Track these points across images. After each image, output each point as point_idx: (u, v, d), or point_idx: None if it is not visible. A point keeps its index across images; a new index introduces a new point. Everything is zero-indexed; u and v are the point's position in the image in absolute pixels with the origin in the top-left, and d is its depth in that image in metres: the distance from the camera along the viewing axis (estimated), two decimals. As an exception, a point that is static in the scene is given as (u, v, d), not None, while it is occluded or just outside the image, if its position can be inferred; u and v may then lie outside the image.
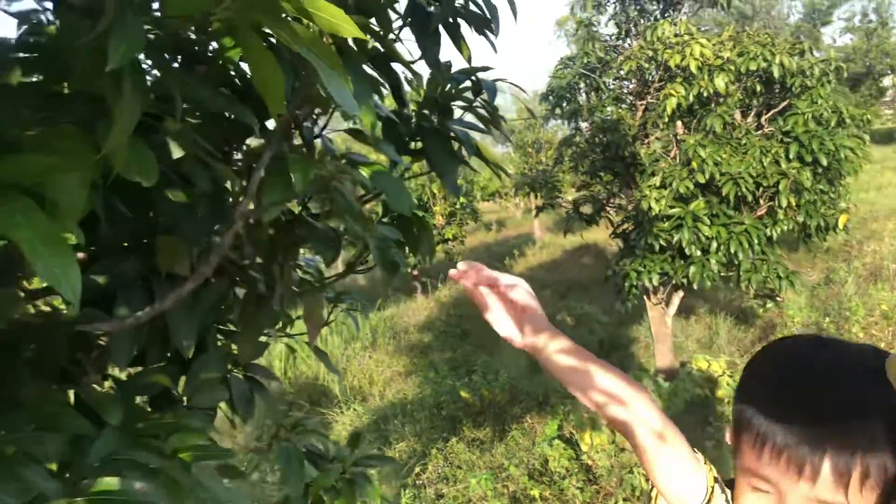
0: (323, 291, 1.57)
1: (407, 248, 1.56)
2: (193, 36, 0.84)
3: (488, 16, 1.44)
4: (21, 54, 0.81)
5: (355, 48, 0.97)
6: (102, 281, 1.17)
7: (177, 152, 0.80)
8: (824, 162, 5.69)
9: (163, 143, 1.06)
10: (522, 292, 1.04)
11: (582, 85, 7.12)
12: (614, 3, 7.13)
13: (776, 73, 5.65)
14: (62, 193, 0.63)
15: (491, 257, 16.84)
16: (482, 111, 1.71)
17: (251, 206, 0.89)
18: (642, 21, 7.00)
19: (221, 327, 1.66)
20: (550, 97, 7.11)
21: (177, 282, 1.18)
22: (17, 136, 0.63)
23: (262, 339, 1.73)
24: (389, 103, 1.62)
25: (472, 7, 1.46)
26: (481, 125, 1.70)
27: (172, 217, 1.14)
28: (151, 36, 0.71)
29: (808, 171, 5.72)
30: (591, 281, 12.81)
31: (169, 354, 1.38)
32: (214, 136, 0.92)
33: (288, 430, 1.92)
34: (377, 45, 1.40)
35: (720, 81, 5.68)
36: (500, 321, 1.05)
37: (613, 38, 7.21)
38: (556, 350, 0.97)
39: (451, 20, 1.53)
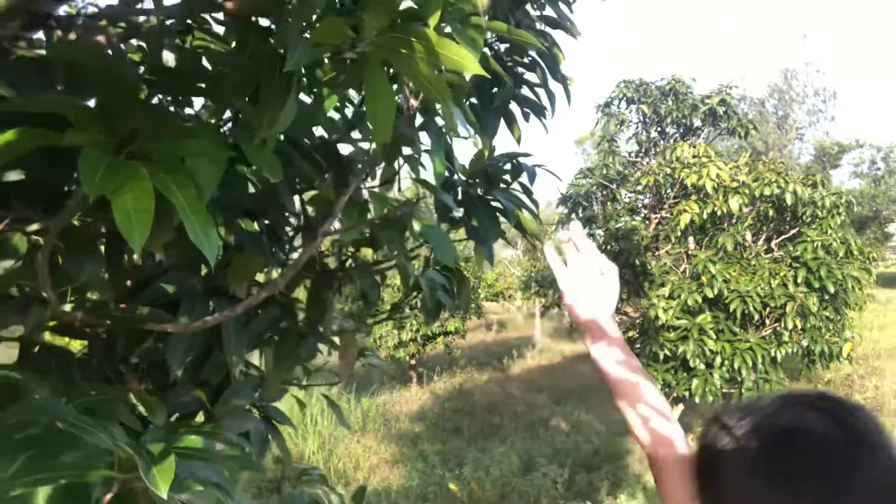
0: (360, 331, 1.65)
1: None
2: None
3: (545, 103, 1.60)
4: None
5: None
6: (171, 290, 1.27)
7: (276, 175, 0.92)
8: (831, 289, 5.83)
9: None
10: (607, 263, 1.07)
11: (599, 194, 7.40)
12: (636, 123, 7.54)
13: (789, 200, 5.90)
14: (202, 175, 0.75)
15: (489, 356, 16.74)
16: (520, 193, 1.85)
17: (336, 226, 1.00)
18: (662, 142, 7.37)
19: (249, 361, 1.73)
20: (568, 203, 7.38)
21: (235, 301, 1.28)
22: (172, 123, 0.75)
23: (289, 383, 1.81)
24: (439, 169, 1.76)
25: (528, 92, 1.63)
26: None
27: (247, 238, 1.25)
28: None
29: (815, 296, 5.85)
30: (588, 389, 12.69)
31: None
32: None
33: (295, 477, 1.95)
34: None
35: (734, 203, 5.92)
36: (569, 289, 1.07)
37: (633, 154, 7.56)
38: (606, 352, 1.00)
39: (505, 106, 1.70)
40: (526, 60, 1.54)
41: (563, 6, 1.54)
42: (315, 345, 1.60)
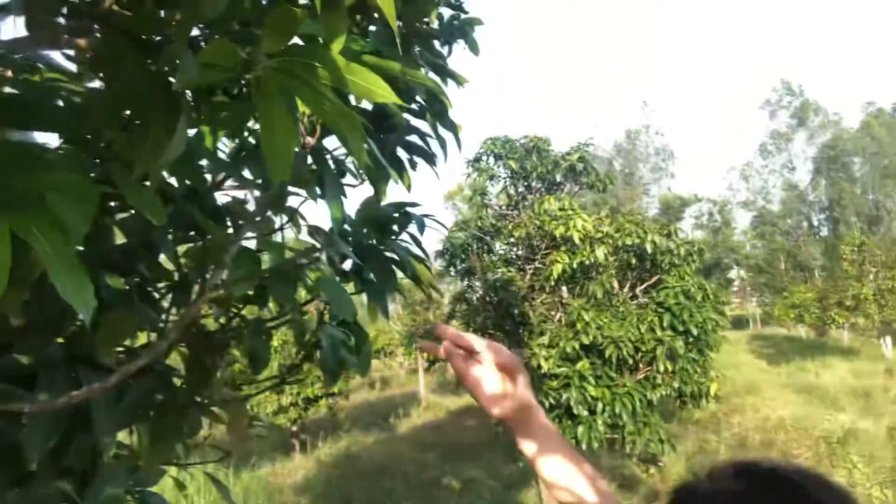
0: (247, 401, 1.51)
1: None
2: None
3: (433, 151, 1.59)
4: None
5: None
6: (26, 361, 1.10)
7: (159, 219, 0.83)
8: (694, 332, 6.24)
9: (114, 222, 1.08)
10: (509, 355, 0.95)
11: (475, 246, 7.56)
12: (504, 178, 7.86)
13: (649, 248, 6.33)
14: (69, 217, 0.64)
15: (375, 415, 16.34)
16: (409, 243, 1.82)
17: (223, 279, 0.91)
18: (530, 196, 7.72)
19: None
20: (445, 255, 7.48)
21: (104, 372, 1.12)
22: (39, 155, 0.65)
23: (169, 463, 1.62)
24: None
25: (418, 141, 1.62)
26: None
27: (117, 296, 1.12)
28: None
29: (680, 339, 6.24)
30: (476, 442, 12.66)
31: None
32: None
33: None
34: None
35: (600, 252, 6.26)
36: (486, 395, 0.94)
37: (504, 207, 7.84)
38: (545, 439, 0.93)
39: (394, 153, 1.68)
40: (415, 107, 1.53)
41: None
42: (198, 418, 1.44)
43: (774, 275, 35.28)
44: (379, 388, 23.48)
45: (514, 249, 7.44)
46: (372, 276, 1.62)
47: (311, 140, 0.93)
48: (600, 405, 5.96)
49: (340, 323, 1.48)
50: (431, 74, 1.51)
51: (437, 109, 1.55)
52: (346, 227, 1.67)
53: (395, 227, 1.80)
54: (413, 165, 1.66)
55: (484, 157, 7.68)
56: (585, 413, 5.99)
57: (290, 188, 1.12)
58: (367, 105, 1.63)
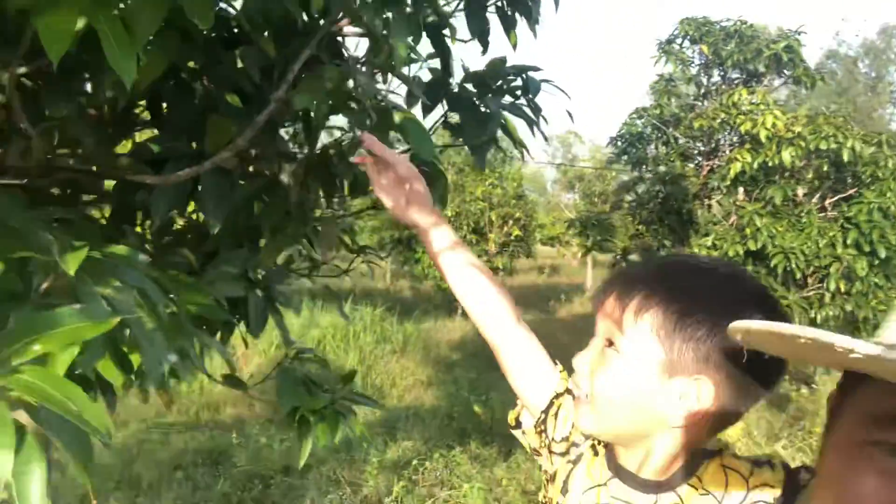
0: (339, 220, 1.75)
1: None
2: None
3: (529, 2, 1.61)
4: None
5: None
6: (156, 149, 1.39)
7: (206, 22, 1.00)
8: (882, 254, 5.60)
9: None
10: (408, 168, 1.18)
11: (653, 136, 7.23)
12: (698, 65, 7.24)
13: (846, 156, 5.63)
14: (137, 20, 0.84)
15: (538, 298, 16.83)
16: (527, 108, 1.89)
17: (283, 92, 1.09)
18: (724, 86, 7.08)
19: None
20: (618, 142, 7.24)
21: (220, 174, 1.39)
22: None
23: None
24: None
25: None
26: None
27: (220, 101, 1.36)
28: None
29: (864, 260, 5.64)
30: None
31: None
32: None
33: (292, 356, 2.11)
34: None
35: (787, 155, 5.70)
36: (388, 195, 1.19)
37: (692, 97, 7.31)
38: (436, 235, 1.12)
39: (501, 6, 1.73)
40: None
41: None
42: (300, 226, 1.72)
43: None
44: (548, 274, 23.89)
45: (694, 143, 6.99)
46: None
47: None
48: (755, 316, 5.67)
49: (421, 163, 1.63)
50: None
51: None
52: (450, 82, 1.79)
53: (519, 91, 1.89)
54: (512, 24, 1.70)
55: (677, 41, 7.11)
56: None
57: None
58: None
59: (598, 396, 0.82)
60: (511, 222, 12.94)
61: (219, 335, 1.84)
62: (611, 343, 0.82)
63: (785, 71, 6.70)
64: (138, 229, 1.55)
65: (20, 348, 0.71)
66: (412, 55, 1.58)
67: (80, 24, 0.84)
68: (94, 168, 1.28)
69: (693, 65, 7.20)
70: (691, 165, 6.97)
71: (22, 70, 1.09)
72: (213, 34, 1.36)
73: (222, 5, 1.24)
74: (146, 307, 0.90)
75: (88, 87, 1.17)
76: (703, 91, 7.22)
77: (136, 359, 0.94)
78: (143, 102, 1.41)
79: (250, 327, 1.83)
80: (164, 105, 1.44)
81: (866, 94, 32.82)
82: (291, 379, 1.98)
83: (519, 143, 1.83)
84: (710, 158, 6.78)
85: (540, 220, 16.79)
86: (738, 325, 0.55)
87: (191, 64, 1.33)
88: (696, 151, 7.09)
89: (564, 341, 12.27)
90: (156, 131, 1.48)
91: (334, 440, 2.00)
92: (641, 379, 0.79)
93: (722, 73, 7.10)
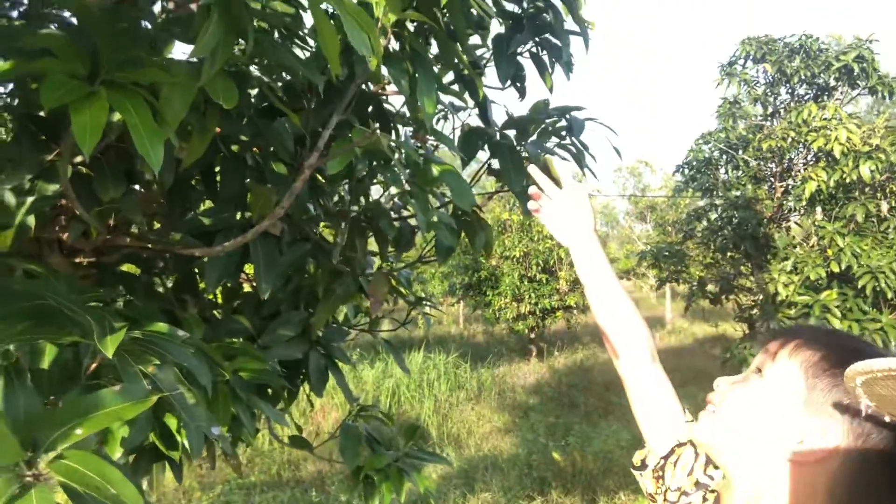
0: (389, 273, 1.76)
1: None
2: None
3: (560, 44, 1.61)
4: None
5: (421, 51, 1.18)
6: (207, 222, 1.45)
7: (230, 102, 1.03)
8: (983, 268, 5.18)
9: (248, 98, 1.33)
10: (569, 195, 1.21)
11: (721, 160, 7.01)
12: (764, 84, 7.01)
13: (932, 166, 5.29)
14: (168, 106, 0.89)
15: (614, 333, 16.34)
16: (572, 147, 1.87)
17: (314, 159, 1.12)
18: (792, 104, 6.82)
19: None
20: (685, 169, 7.05)
21: (268, 240, 1.43)
22: (139, 57, 0.89)
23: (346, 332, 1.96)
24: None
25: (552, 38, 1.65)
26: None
27: (267, 170, 1.40)
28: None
29: (964, 275, 5.22)
30: (718, 371, 12.10)
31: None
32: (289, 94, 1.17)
33: (355, 414, 2.11)
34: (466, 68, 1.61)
35: (865, 169, 5.40)
36: (549, 221, 1.22)
37: (759, 117, 7.06)
38: (586, 261, 1.12)
39: (535, 52, 1.73)
40: (541, 4, 1.56)
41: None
42: (351, 284, 1.74)
43: None
44: (625, 307, 23.22)
45: (765, 165, 6.73)
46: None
47: (383, 40, 1.07)
48: (845, 341, 5.31)
49: (462, 213, 1.63)
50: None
51: (570, 3, 1.56)
52: (490, 129, 1.80)
53: (563, 132, 1.88)
54: (549, 67, 1.70)
55: (739, 62, 6.92)
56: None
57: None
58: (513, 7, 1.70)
59: (726, 407, 0.82)
60: (581, 259, 12.68)
61: (285, 395, 1.87)
62: (759, 371, 0.83)
63: (858, 82, 6.39)
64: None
65: (65, 432, 0.73)
66: (457, 102, 1.61)
67: (116, 115, 0.88)
68: (150, 245, 1.33)
69: (758, 85, 6.98)
70: (764, 188, 6.69)
71: (77, 159, 1.16)
72: (262, 105, 1.42)
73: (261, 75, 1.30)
74: (187, 382, 0.91)
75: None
76: (770, 111, 6.97)
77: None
78: (197, 176, 1.48)
79: (312, 387, 1.85)
80: (217, 176, 1.50)
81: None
82: (354, 437, 1.98)
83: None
84: (784, 179, 6.50)
85: (613, 253, 16.45)
86: (858, 366, 0.53)
87: (243, 136, 1.39)
88: (767, 173, 6.81)
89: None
90: (209, 202, 1.55)
91: (400, 498, 1.97)
92: (772, 403, 0.78)
93: (789, 91, 6.84)
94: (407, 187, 1.36)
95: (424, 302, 2.27)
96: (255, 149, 1.46)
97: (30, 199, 1.10)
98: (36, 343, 0.87)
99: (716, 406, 0.84)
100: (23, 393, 0.75)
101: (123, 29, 0.96)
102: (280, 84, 1.34)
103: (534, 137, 1.84)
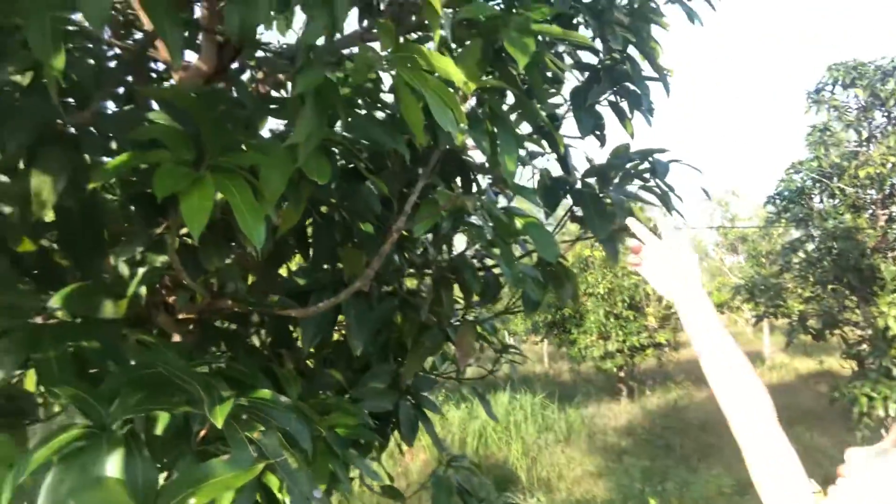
0: (475, 324, 1.77)
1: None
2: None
3: (640, 92, 1.61)
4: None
5: (499, 113, 1.21)
6: (301, 282, 1.51)
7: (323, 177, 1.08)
8: None
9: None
10: (671, 248, 1.16)
11: (815, 190, 6.68)
12: (856, 109, 6.67)
13: None
14: (267, 184, 0.94)
15: (709, 371, 15.59)
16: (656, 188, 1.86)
17: (402, 223, 1.16)
18: (889, 128, 6.44)
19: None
20: (777, 199, 6.76)
21: (358, 298, 1.48)
22: (239, 140, 0.95)
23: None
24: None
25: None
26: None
27: (356, 230, 1.46)
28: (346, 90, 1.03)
29: None
30: (825, 410, 11.29)
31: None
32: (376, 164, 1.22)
33: (445, 464, 2.11)
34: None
35: (982, 191, 5.01)
36: (651, 276, 1.17)
37: (853, 143, 6.70)
38: (692, 315, 1.07)
39: (614, 101, 1.74)
40: (618, 56, 1.57)
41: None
42: (438, 336, 1.76)
43: None
44: (718, 342, 22.16)
45: (864, 192, 6.35)
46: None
47: (465, 106, 1.10)
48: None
49: (546, 264, 1.63)
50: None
51: (647, 53, 1.57)
52: (571, 178, 1.80)
53: (647, 174, 1.87)
54: (628, 112, 1.69)
55: (828, 88, 6.63)
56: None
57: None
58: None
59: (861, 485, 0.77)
60: (669, 294, 12.27)
61: (376, 445, 1.90)
62: None
63: (961, 100, 5.99)
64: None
65: (180, 502, 0.77)
66: (535, 148, 1.63)
67: (219, 195, 0.95)
68: (249, 307, 1.40)
69: (849, 110, 6.65)
70: (864, 216, 6.31)
71: (183, 230, 1.25)
72: (348, 166, 1.49)
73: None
74: (289, 446, 0.95)
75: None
76: (865, 136, 6.61)
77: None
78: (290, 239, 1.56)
79: (402, 436, 1.87)
80: (309, 237, 1.56)
81: None
82: (446, 489, 1.98)
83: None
84: (886, 206, 6.11)
85: (704, 286, 15.79)
86: None
87: (332, 199, 1.46)
88: (867, 200, 6.43)
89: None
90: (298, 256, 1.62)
91: (491, 549, 1.95)
92: None
93: (885, 114, 6.48)
94: (490, 239, 1.38)
95: (511, 349, 2.27)
96: (341, 210, 1.52)
97: (141, 271, 1.19)
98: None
99: (848, 481, 0.78)
100: (141, 462, 0.80)
101: (222, 113, 1.04)
102: (365, 147, 1.41)
103: (616, 182, 1.83)
